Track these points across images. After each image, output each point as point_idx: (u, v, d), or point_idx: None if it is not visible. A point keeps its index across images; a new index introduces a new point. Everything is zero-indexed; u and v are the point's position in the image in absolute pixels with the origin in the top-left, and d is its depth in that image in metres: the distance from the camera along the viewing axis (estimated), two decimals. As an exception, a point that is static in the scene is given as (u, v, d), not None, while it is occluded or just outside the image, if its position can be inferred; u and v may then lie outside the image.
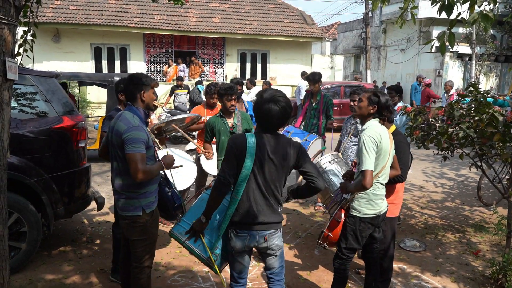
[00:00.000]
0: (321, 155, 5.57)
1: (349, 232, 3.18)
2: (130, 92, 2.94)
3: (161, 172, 3.08)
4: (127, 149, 2.74)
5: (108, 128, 3.04)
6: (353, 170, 4.05)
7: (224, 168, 2.57)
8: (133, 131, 2.76)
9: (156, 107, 3.02)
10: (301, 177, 4.24)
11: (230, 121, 4.49)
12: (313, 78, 6.07)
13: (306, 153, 2.70)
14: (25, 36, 3.85)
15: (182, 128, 4.98)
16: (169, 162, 3.04)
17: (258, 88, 10.53)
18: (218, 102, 5.32)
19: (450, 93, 11.36)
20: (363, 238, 3.20)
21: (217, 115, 4.56)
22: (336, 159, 4.38)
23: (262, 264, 4.12)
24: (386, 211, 3.27)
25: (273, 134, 2.61)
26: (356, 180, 3.11)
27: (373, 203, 3.13)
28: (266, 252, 2.71)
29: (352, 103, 4.81)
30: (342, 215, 3.27)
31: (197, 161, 5.04)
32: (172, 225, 5.07)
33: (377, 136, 2.98)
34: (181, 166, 4.00)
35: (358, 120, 4.82)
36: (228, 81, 16.32)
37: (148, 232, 2.97)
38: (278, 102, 2.54)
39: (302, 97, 12.08)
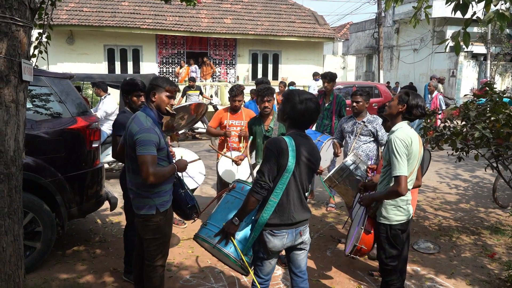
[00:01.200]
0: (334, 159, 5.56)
1: (384, 241, 3.07)
2: (146, 92, 2.99)
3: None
4: (138, 151, 2.75)
5: (123, 129, 3.04)
6: (368, 174, 4.00)
7: (264, 172, 2.54)
8: (144, 133, 2.76)
9: (171, 113, 2.97)
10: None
11: (266, 124, 4.42)
12: (330, 76, 6.08)
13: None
14: (40, 38, 3.89)
15: (191, 120, 4.90)
16: (182, 166, 3.04)
17: None
18: (242, 106, 5.16)
19: (433, 94, 10.35)
20: (399, 243, 3.08)
21: (256, 117, 4.52)
22: (360, 158, 4.37)
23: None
24: (412, 216, 3.18)
25: (304, 135, 2.67)
26: (387, 187, 2.99)
27: (400, 208, 3.02)
28: (300, 247, 2.75)
29: (354, 103, 4.78)
30: (371, 226, 3.15)
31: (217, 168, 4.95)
32: (184, 225, 5.17)
33: (408, 140, 2.87)
34: (199, 159, 4.05)
35: (364, 120, 4.77)
36: (240, 82, 16.35)
37: (162, 231, 2.97)
38: (312, 100, 2.62)
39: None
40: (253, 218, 2.72)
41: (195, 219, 3.25)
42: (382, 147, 4.64)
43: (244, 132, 4.96)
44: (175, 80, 16.37)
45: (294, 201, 2.62)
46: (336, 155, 5.06)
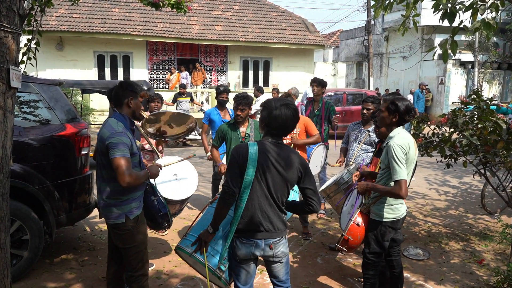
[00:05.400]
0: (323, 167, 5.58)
1: (371, 237, 3.25)
2: (118, 98, 2.95)
3: (151, 180, 3.06)
4: (111, 154, 2.72)
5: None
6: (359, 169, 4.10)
7: (227, 178, 2.58)
8: (116, 136, 2.76)
9: (143, 117, 3.07)
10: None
11: (243, 130, 4.40)
12: (318, 81, 6.10)
13: (311, 173, 2.70)
14: (28, 44, 3.87)
15: (181, 133, 4.88)
16: (155, 172, 3.02)
17: (266, 96, 10.44)
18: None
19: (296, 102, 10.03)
20: (385, 242, 3.25)
21: (230, 122, 4.48)
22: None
23: (265, 272, 4.10)
24: (406, 215, 3.32)
25: (277, 143, 2.61)
26: (387, 187, 3.09)
27: (393, 207, 3.18)
28: (272, 260, 2.70)
29: (364, 110, 4.75)
30: (361, 220, 3.31)
31: None
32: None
33: (406, 145, 3.00)
34: (182, 159, 3.98)
35: (369, 128, 4.77)
36: (231, 89, 16.36)
37: (136, 239, 2.94)
38: (289, 106, 2.59)
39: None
40: (224, 226, 2.72)
41: (166, 230, 3.21)
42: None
43: (295, 139, 4.83)
44: (165, 87, 16.35)
45: (262, 208, 2.57)
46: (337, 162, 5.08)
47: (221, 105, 5.80)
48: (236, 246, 2.64)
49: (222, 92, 5.75)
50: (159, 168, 3.09)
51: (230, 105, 6.00)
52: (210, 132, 5.85)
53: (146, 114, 4.70)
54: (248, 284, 2.74)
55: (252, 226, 2.58)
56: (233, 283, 2.80)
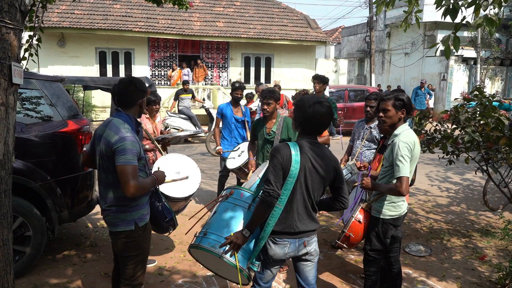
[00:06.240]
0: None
1: (372, 234, 3.25)
2: (129, 98, 2.74)
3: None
4: (118, 160, 2.54)
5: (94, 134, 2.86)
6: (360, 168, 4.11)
7: (271, 180, 2.45)
8: (125, 141, 2.56)
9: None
10: None
11: (268, 127, 4.40)
12: (320, 77, 6.08)
13: (342, 171, 2.67)
14: (30, 40, 3.86)
15: (182, 136, 5.00)
16: (161, 179, 2.90)
17: None
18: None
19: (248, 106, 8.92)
20: (387, 239, 3.25)
21: (261, 118, 4.54)
22: (355, 170, 4.37)
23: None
24: (407, 212, 3.33)
25: (315, 143, 2.58)
26: (389, 184, 3.10)
27: (394, 205, 3.18)
28: (305, 259, 2.67)
29: (367, 108, 4.72)
30: (362, 216, 3.32)
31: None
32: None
33: (411, 143, 3.01)
34: (186, 177, 3.99)
35: (372, 125, 4.76)
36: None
37: (142, 247, 2.80)
38: (322, 103, 2.53)
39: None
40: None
41: (171, 231, 3.19)
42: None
43: None
44: (167, 84, 16.35)
45: (298, 209, 2.54)
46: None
47: (236, 101, 5.77)
48: (269, 246, 2.57)
49: (237, 88, 5.71)
50: (164, 173, 2.97)
51: (243, 102, 6.12)
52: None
53: (146, 111, 4.71)
54: (269, 283, 2.73)
55: (288, 228, 2.54)
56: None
